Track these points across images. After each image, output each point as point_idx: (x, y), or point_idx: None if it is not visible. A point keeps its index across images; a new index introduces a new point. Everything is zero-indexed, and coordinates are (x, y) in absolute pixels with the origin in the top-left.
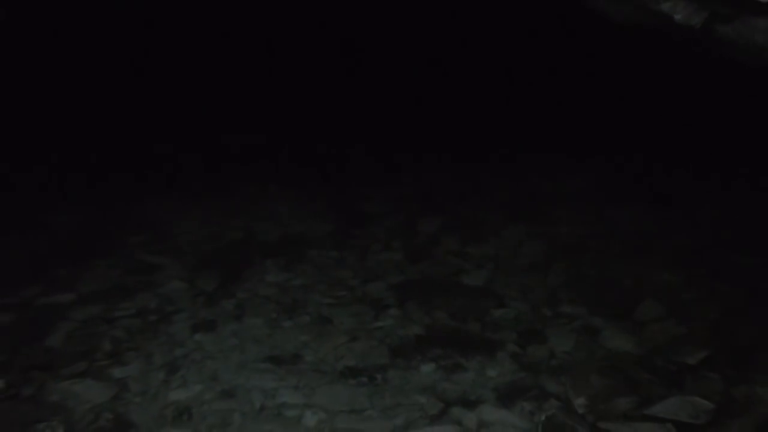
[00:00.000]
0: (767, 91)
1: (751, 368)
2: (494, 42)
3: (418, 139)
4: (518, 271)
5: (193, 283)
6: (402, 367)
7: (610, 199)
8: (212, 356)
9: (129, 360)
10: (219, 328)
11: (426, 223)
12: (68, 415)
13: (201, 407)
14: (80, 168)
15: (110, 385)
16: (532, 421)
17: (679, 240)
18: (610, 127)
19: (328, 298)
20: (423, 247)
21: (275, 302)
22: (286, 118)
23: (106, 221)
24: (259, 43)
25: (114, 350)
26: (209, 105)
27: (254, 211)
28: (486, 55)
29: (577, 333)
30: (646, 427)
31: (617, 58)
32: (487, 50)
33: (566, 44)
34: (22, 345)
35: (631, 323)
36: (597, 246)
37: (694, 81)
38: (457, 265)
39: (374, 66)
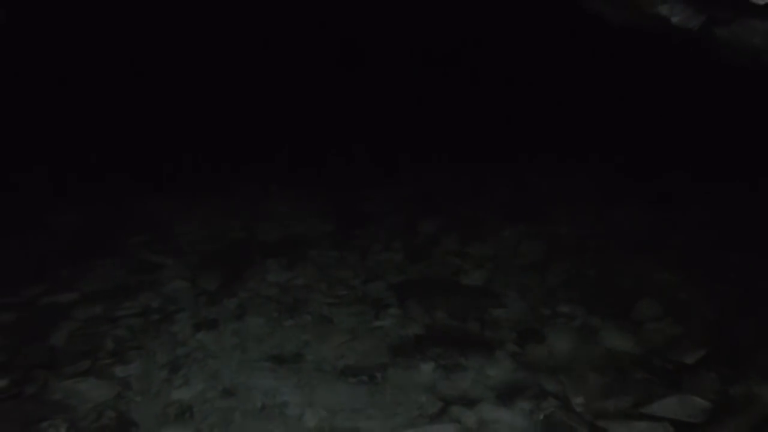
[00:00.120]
0: (764, 93)
1: (748, 367)
2: (494, 44)
3: (418, 139)
4: (517, 271)
5: (194, 282)
6: (402, 366)
7: (608, 199)
8: (214, 355)
9: (131, 359)
10: (221, 328)
11: (426, 224)
12: (71, 414)
13: (203, 406)
14: (82, 168)
15: (113, 384)
16: (531, 420)
17: (677, 240)
18: (609, 128)
19: (328, 298)
20: (423, 247)
21: (276, 302)
22: (286, 119)
23: (108, 221)
24: (260, 43)
25: (116, 349)
26: (210, 105)
27: (255, 211)
28: (486, 56)
29: (576, 332)
30: (643, 426)
31: (616, 61)
32: (487, 52)
33: (566, 46)
34: (25, 344)
35: (629, 323)
36: (595, 246)
37: (692, 83)
38: (456, 265)
39: (375, 67)
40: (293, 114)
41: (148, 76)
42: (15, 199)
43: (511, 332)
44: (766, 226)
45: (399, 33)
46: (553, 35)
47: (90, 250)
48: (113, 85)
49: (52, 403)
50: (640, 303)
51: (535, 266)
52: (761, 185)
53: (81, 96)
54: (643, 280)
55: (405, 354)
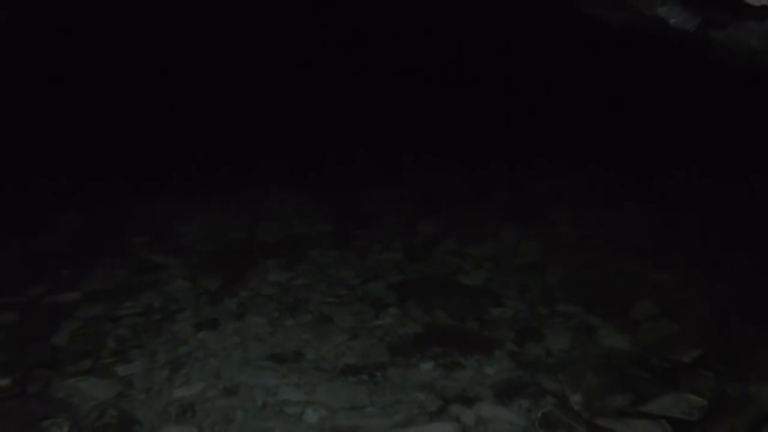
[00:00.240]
0: (760, 95)
1: (744, 366)
2: (494, 46)
3: (419, 140)
4: (516, 271)
5: (196, 282)
6: (401, 365)
7: (607, 200)
8: (215, 354)
9: (133, 358)
10: (222, 327)
11: (425, 224)
12: (74, 412)
13: (204, 404)
14: (84, 169)
15: (115, 383)
16: (529, 418)
17: (675, 241)
18: (608, 129)
19: (329, 297)
20: (422, 247)
21: (277, 301)
22: (287, 120)
23: (110, 222)
24: (261, 44)
25: (118, 348)
26: (211, 107)
27: (256, 212)
28: (486, 59)
29: (574, 331)
30: (641, 424)
31: (615, 62)
32: (486, 54)
33: (564, 48)
34: (28, 343)
35: (626, 322)
36: (594, 246)
37: (690, 84)
38: (456, 265)
39: (376, 69)
40: (294, 115)
41: (150, 77)
42: (17, 199)
43: (510, 331)
44: (763, 226)
45: (401, 36)
46: (552, 37)
47: (92, 250)
48: (115, 86)
49: (54, 402)
50: (638, 303)
51: (533, 266)
52: (758, 186)
53: (82, 97)
54: (640, 280)
55: (404, 353)
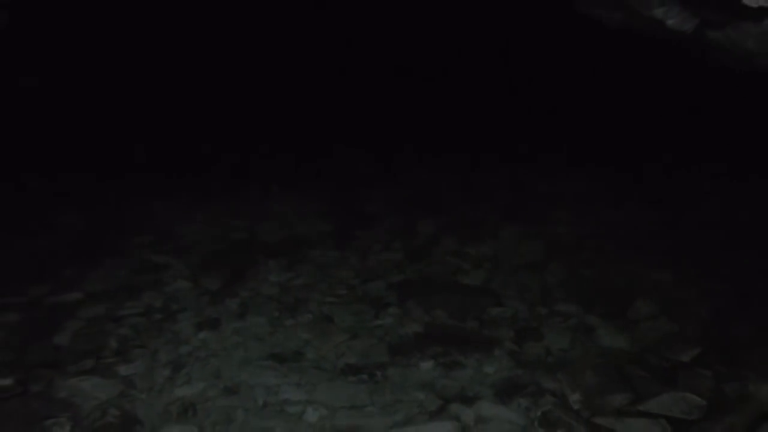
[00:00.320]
0: (758, 96)
1: (743, 365)
2: (493, 46)
3: (419, 141)
4: (515, 271)
5: (197, 282)
6: (401, 364)
7: (605, 200)
8: (216, 354)
9: (135, 358)
10: (223, 327)
11: (425, 224)
12: (76, 412)
13: (205, 404)
14: (87, 170)
15: (117, 382)
16: (529, 417)
17: (673, 240)
18: (607, 129)
19: (329, 297)
20: (422, 247)
21: (277, 301)
22: (288, 121)
23: (112, 222)
24: (261, 45)
25: (120, 348)
26: (212, 108)
27: (257, 212)
28: (485, 59)
29: (573, 331)
30: (639, 423)
31: (612, 63)
32: (485, 55)
33: (564, 49)
34: (30, 343)
35: (625, 321)
36: (593, 246)
37: (688, 85)
38: (455, 265)
39: (375, 69)
40: (294, 116)
41: (151, 77)
42: (20, 200)
43: (510, 331)
44: (761, 226)
45: (400, 36)
46: (551, 38)
47: (94, 250)
48: (117, 87)
49: (56, 402)
50: (637, 302)
51: (533, 266)
52: (757, 186)
53: (84, 98)
54: (639, 279)
55: (404, 352)
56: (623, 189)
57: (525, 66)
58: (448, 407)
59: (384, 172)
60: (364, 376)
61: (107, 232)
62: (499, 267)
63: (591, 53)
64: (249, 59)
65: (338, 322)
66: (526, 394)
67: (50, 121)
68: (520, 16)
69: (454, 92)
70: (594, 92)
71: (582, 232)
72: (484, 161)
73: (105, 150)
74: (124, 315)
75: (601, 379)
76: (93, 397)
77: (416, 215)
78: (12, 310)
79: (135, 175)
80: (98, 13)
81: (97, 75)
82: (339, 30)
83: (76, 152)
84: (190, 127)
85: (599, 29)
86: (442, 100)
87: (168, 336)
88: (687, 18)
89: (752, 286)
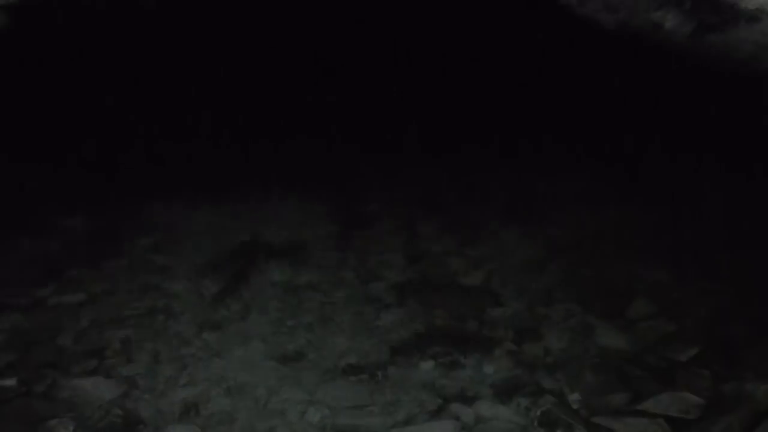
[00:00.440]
0: (755, 98)
1: (740, 365)
2: (491, 46)
3: (418, 142)
4: (515, 271)
5: (199, 283)
6: (402, 364)
7: (604, 200)
8: (218, 354)
9: (138, 358)
10: (225, 327)
11: (425, 225)
12: (79, 412)
13: (207, 404)
14: (90, 171)
15: (120, 383)
16: (528, 417)
17: (671, 240)
18: (605, 130)
19: (330, 298)
20: (422, 248)
21: (279, 302)
22: (288, 122)
23: (115, 224)
24: (262, 46)
25: (123, 349)
26: (213, 109)
27: (259, 214)
28: (484, 59)
29: (572, 331)
30: (638, 422)
31: (611, 65)
32: (484, 54)
33: (562, 51)
34: (34, 343)
35: (623, 321)
36: (591, 246)
37: (685, 87)
38: (455, 266)
39: (374, 69)
40: (295, 117)
41: (154, 78)
42: (23, 201)
43: (509, 331)
44: (758, 226)
45: (397, 35)
46: (548, 39)
47: (97, 251)
48: (119, 89)
49: (60, 402)
50: (635, 302)
51: (532, 266)
52: (754, 186)
53: (87, 98)
54: (637, 279)
55: (405, 352)
56: (622, 189)
57: (524, 67)
58: (448, 407)
59: (384, 172)
60: (364, 376)
61: (110, 234)
62: (498, 267)
63: (590, 55)
64: (250, 59)
65: (339, 322)
66: (525, 394)
67: (52, 123)
68: (519, 17)
69: (453, 93)
70: (593, 93)
71: (581, 232)
72: (483, 161)
73: (105, 151)
74: (127, 316)
75: (600, 379)
76: (96, 398)
77: (416, 216)
78: (16, 311)
79: (136, 177)
80: (98, 14)
81: (101, 76)
82: (338, 28)
83: (76, 153)
84: (191, 127)
85: (597, 31)
86: (441, 100)
87: (170, 336)
88: (685, 21)
89: (751, 286)
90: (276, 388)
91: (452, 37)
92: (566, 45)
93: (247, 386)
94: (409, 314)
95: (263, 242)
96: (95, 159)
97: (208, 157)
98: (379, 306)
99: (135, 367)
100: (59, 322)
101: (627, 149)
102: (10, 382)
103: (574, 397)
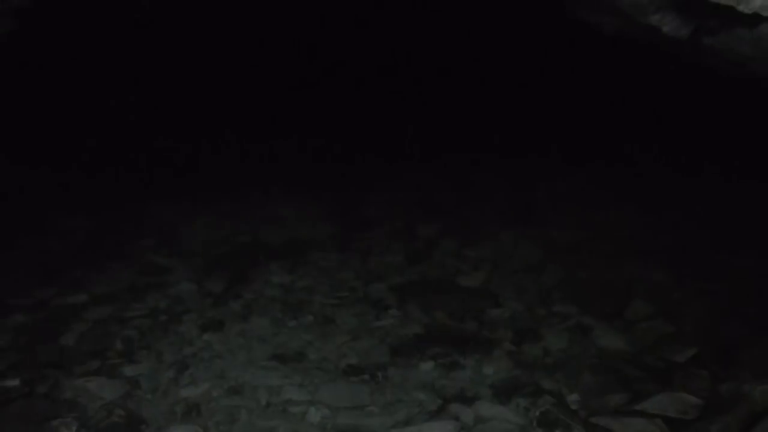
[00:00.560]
0: (753, 100)
1: (738, 366)
2: (491, 51)
3: (418, 145)
4: (514, 273)
5: (201, 284)
6: (402, 365)
7: (602, 202)
8: (220, 355)
9: (140, 359)
10: (226, 328)
11: (425, 227)
12: (82, 412)
13: (209, 404)
14: (92, 173)
15: (122, 383)
16: (527, 417)
17: (669, 242)
18: (603, 132)
19: (330, 299)
20: (422, 249)
21: (280, 303)
22: (289, 125)
23: (116, 225)
24: (263, 47)
25: (125, 349)
26: (214, 112)
27: (260, 216)
28: (484, 63)
29: (570, 332)
30: (636, 422)
31: (609, 68)
32: (484, 59)
33: (561, 54)
34: (37, 344)
35: (622, 322)
36: (589, 248)
37: (683, 89)
38: (455, 267)
39: (375, 72)
40: (296, 119)
41: (155, 79)
42: (26, 202)
43: (508, 332)
44: (755, 227)
45: (399, 40)
46: (548, 43)
47: (99, 253)
48: (121, 91)
49: (63, 402)
50: (633, 303)
51: (531, 268)
52: (751, 188)
53: (89, 101)
54: (635, 280)
55: (405, 353)
56: (620, 191)
57: (523, 70)
58: (448, 407)
59: (384, 174)
60: (365, 377)
61: (112, 235)
62: (497, 269)
63: (588, 58)
64: (251, 61)
65: (340, 323)
66: (524, 394)
67: (55, 125)
68: (519, 20)
69: (453, 95)
70: (591, 96)
71: (579, 234)
72: (483, 163)
73: (106, 152)
74: (130, 317)
75: (598, 379)
76: (99, 398)
77: (416, 218)
78: (19, 312)
79: (138, 178)
80: (97, 14)
81: (103, 79)
82: (337, 30)
83: (80, 156)
84: (192, 129)
85: (595, 35)
86: (441, 103)
87: (172, 337)
88: (682, 24)
89: (747, 287)
90: (277, 389)
91: (452, 40)
92: (565, 48)
93: (248, 386)
94: (409, 315)
95: (264, 244)
96: (97, 160)
97: (209, 159)
98: (379, 307)
99: (137, 368)
100: (62, 322)
101: (625, 151)
102: (13, 382)
103: (572, 398)
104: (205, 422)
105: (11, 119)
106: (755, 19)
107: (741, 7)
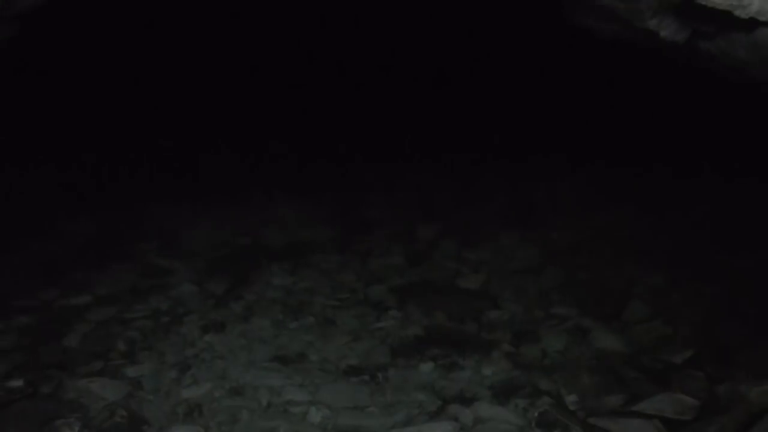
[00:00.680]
0: (749, 104)
1: (734, 367)
2: (491, 54)
3: (418, 147)
4: (513, 274)
5: (203, 286)
6: (402, 366)
7: (601, 204)
8: (221, 356)
9: (142, 359)
10: (228, 329)
11: (425, 229)
12: (84, 412)
13: (211, 404)
14: (94, 175)
15: (124, 384)
16: (526, 418)
17: (666, 244)
18: (602, 135)
19: (331, 301)
20: (422, 251)
21: (281, 304)
22: (290, 128)
23: (119, 227)
24: (264, 50)
25: (128, 350)
26: (215, 114)
27: (260, 217)
28: (483, 66)
29: (569, 333)
30: (634, 423)
31: (608, 71)
32: (484, 62)
33: (561, 57)
34: (40, 345)
35: (619, 324)
36: (588, 250)
37: (681, 93)
38: (454, 269)
39: (375, 74)
40: (296, 122)
41: (157, 82)
42: (29, 204)
43: (507, 333)
44: (752, 229)
45: (398, 43)
46: (548, 46)
47: (102, 255)
48: (123, 93)
49: (66, 402)
50: (631, 305)
51: (529, 270)
52: (748, 190)
53: (92, 103)
54: (633, 282)
55: (405, 354)
56: (618, 193)
57: (524, 72)
58: (447, 408)
59: (384, 175)
60: (365, 378)
61: (114, 237)
62: (496, 271)
63: (587, 61)
64: (252, 63)
65: (340, 324)
66: (523, 395)
67: (59, 127)
68: (519, 23)
69: (454, 96)
70: (591, 98)
71: (578, 236)
72: (483, 164)
73: (108, 154)
74: (132, 318)
75: (596, 381)
76: (101, 398)
77: (416, 220)
78: (22, 313)
79: (140, 180)
80: (98, 15)
81: (101, 81)
82: (338, 31)
83: (79, 157)
84: (192, 132)
85: (595, 39)
86: (440, 106)
87: (174, 338)
88: (679, 29)
89: (744, 289)
90: (278, 389)
91: (454, 42)
92: (565, 51)
93: (249, 387)
94: (409, 317)
95: (265, 246)
96: (99, 163)
97: (210, 161)
98: (379, 308)
99: (139, 369)
100: (65, 324)
101: (623, 154)
102: (17, 383)
103: (571, 399)
104: (206, 422)
105: (14, 121)
106: (752, 23)
107: (738, 12)
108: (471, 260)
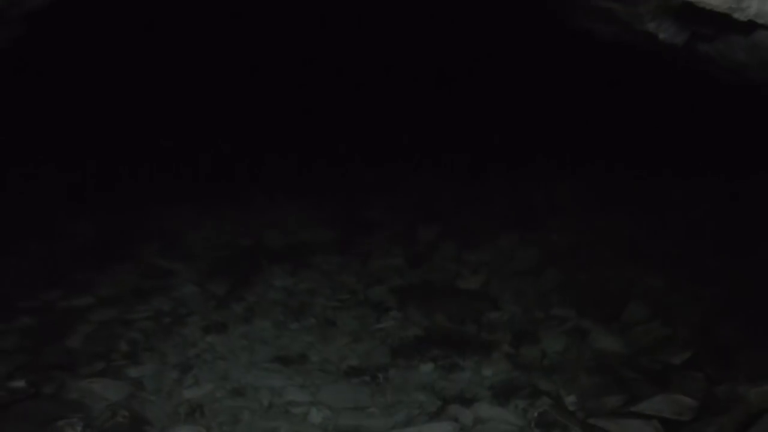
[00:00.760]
0: (748, 106)
1: (733, 368)
2: (491, 55)
3: (419, 150)
4: (512, 276)
5: (204, 287)
6: (402, 366)
7: (599, 206)
8: (223, 357)
9: (144, 360)
10: (229, 330)
11: (425, 231)
12: (87, 413)
13: (212, 405)
14: (96, 177)
15: (126, 384)
16: (525, 418)
17: (665, 245)
18: (601, 137)
19: (332, 302)
20: (422, 253)
21: (282, 305)
22: (291, 130)
23: (121, 229)
24: (265, 52)
25: (130, 351)
26: (216, 117)
27: (262, 220)
28: (484, 67)
29: (568, 334)
30: (633, 424)
31: (608, 73)
32: (484, 63)
33: (561, 59)
34: (43, 346)
35: (618, 325)
36: (587, 252)
37: (679, 95)
38: (454, 270)
39: (375, 77)
40: (297, 125)
41: (159, 84)
42: (31, 206)
43: (507, 334)
44: (750, 230)
45: (398, 46)
46: (548, 49)
47: (104, 256)
48: (125, 95)
49: (68, 403)
50: (630, 306)
51: (529, 271)
52: (746, 192)
53: (95, 104)
54: (632, 284)
55: (405, 355)
56: (618, 195)
57: (523, 74)
58: (448, 408)
59: (385, 179)
60: (366, 378)
61: (116, 238)
62: (496, 272)
63: (587, 63)
64: (253, 65)
65: (341, 325)
66: (522, 396)
67: (61, 129)
68: (519, 25)
69: (454, 99)
70: (591, 100)
71: (576, 239)
72: (482, 168)
73: (111, 156)
74: (134, 319)
75: (595, 381)
76: (103, 399)
77: (416, 221)
78: (25, 314)
79: (141, 181)
80: (98, 16)
81: (104, 82)
82: (338, 33)
83: (81, 159)
84: (194, 133)
85: (594, 42)
86: (441, 107)
87: (176, 339)
88: (678, 31)
89: (742, 291)
90: (279, 390)
91: (452, 45)
92: (563, 55)
93: (251, 388)
94: (409, 318)
95: (266, 247)
96: (102, 164)
97: (212, 162)
98: (380, 309)
99: (142, 369)
100: (67, 325)
101: (622, 156)
102: (20, 383)
103: (570, 399)
104: (208, 423)
105: (17, 122)
106: (750, 26)
107: (736, 15)
108: (471, 261)
